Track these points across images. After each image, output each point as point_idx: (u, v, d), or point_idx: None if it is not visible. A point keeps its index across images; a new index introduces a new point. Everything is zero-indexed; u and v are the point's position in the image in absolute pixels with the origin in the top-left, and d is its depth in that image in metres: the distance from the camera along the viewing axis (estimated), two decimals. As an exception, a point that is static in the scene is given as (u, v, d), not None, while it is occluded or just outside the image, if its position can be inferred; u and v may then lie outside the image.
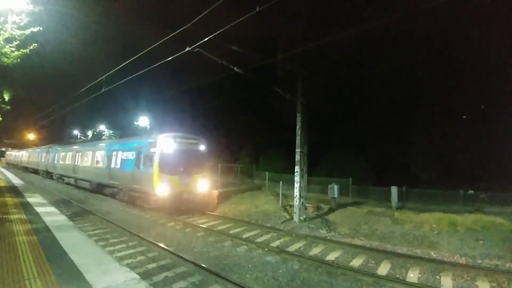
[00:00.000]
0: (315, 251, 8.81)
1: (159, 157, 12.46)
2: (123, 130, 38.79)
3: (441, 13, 20.83)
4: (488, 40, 21.90)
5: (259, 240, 9.71)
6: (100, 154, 18.07)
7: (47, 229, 7.52)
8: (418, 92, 25.16)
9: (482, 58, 22.28)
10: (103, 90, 15.45)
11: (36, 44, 9.27)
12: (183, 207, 13.10)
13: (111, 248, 8.30)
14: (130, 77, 13.31)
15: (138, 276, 4.65)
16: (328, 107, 24.57)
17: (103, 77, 14.78)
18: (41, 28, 8.70)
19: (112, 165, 16.02)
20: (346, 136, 25.21)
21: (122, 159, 15.22)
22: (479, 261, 8.20)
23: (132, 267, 6.65)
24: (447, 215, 10.50)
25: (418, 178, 19.16)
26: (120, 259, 7.06)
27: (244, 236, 10.05)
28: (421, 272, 7.30)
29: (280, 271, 7.16)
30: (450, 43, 24.16)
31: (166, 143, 12.88)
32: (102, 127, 43.57)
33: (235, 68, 11.31)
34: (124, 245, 8.75)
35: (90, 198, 18.04)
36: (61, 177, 25.44)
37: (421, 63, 25.12)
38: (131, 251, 8.25)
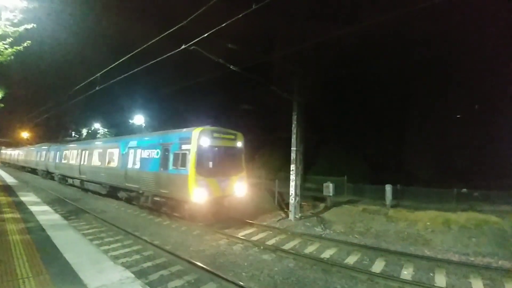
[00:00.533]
0: (311, 249, 8.86)
1: (196, 156, 10.32)
2: (118, 129, 38.59)
3: (437, 12, 20.94)
4: (484, 40, 22.10)
5: (255, 238, 9.74)
6: (113, 153, 15.84)
7: (41, 228, 7.48)
8: (414, 91, 25.39)
9: (477, 58, 22.50)
10: (97, 88, 15.34)
11: (30, 42, 9.16)
12: (223, 216, 11.24)
13: (106, 247, 8.26)
14: (124, 75, 13.19)
15: (133, 275, 4.64)
16: (325, 106, 24.67)
17: (98, 75, 14.67)
18: (35, 25, 8.60)
19: (129, 165, 13.75)
20: (342, 135, 25.36)
21: (142, 158, 12.91)
22: (472, 259, 8.33)
23: (128, 266, 6.65)
24: (441, 213, 10.63)
25: (414, 177, 19.34)
26: (115, 258, 7.03)
27: (240, 234, 10.07)
28: (415, 269, 7.38)
29: (276, 269, 7.19)
30: (447, 42, 24.35)
31: (203, 139, 10.67)
32: (97, 125, 43.30)
33: (231, 66, 11.29)
34: (119, 244, 8.72)
35: (85, 197, 17.96)
36: (63, 178, 23.42)
37: (417, 62, 25.28)
38: (127, 250, 8.22)
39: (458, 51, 23.36)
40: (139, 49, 10.83)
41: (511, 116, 21.04)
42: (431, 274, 7.12)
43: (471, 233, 10.02)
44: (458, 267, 7.46)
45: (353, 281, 6.61)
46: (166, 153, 11.48)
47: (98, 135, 39.78)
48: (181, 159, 10.72)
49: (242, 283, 6.04)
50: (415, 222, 10.47)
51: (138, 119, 33.12)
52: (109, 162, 16.04)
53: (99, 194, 17.17)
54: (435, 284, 6.53)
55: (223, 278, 6.31)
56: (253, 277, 6.67)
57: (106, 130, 41.50)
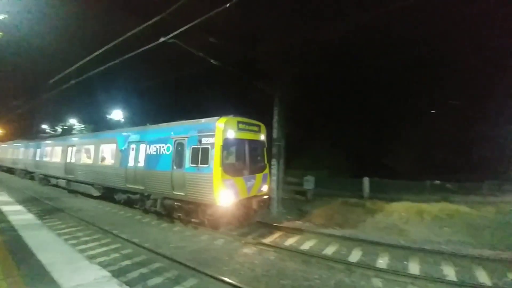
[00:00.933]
0: (291, 241, 9.02)
1: (221, 151, 8.93)
2: (96, 124, 37.36)
3: (414, 11, 21.52)
4: (461, 39, 23.00)
5: (235, 232, 9.78)
6: (108, 149, 13.91)
7: (13, 229, 7.17)
8: (393, 88, 26.11)
9: (456, 57, 23.42)
10: (73, 82, 14.73)
11: (2, 33, 8.66)
12: (250, 220, 10.20)
13: (83, 247, 8.04)
14: (100, 68, 12.68)
15: (109, 274, 4.56)
16: (307, 101, 24.92)
17: (73, 67, 14.03)
18: (6, 16, 8.13)
19: (131, 164, 12.03)
20: (325, 130, 25.77)
21: (148, 155, 11.21)
22: (444, 247, 8.74)
23: (105, 265, 6.51)
24: (415, 204, 11.11)
25: (392, 170, 20.03)
26: (92, 258, 6.88)
27: (221, 229, 10.03)
28: (390, 258, 7.69)
29: (257, 262, 7.28)
30: (426, 40, 25.12)
31: (229, 131, 9.23)
32: (72, 121, 41.69)
33: (212, 61, 11.16)
34: (96, 243, 8.51)
35: (62, 196, 17.30)
36: (45, 178, 20.84)
37: (398, 59, 25.99)
38: (104, 248, 8.04)
39: (437, 50, 24.25)
40: (116, 41, 10.45)
41: (484, 113, 22.24)
42: (405, 262, 7.43)
43: (444, 222, 10.56)
44: (431, 255, 7.82)
45: (332, 271, 6.80)
46: (180, 149, 9.97)
47: (73, 131, 38.32)
48: (201, 155, 9.22)
49: (222, 277, 6.09)
50: (391, 213, 10.89)
51: (117, 114, 32.19)
52: (103, 160, 14.31)
53: (91, 196, 15.31)
54: (408, 272, 6.83)
55: (204, 273, 6.33)
56: (234, 271, 6.72)
57: (82, 126, 40.05)
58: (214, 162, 8.84)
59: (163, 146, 10.65)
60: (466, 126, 22.31)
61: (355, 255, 7.85)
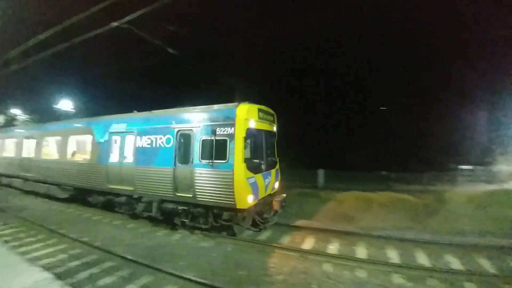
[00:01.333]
0: (248, 232, 9.20)
1: (243, 143, 7.74)
2: (42, 115, 34.16)
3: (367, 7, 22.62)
4: (417, 35, 24.74)
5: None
6: (80, 141, 11.97)
7: None
8: (353, 86, 27.43)
9: (410, 53, 25.18)
10: (12, 67, 13.24)
11: None
12: (269, 222, 9.11)
13: (26, 249, 7.45)
14: (45, 53, 11.48)
15: (51, 276, 4.33)
16: (270, 95, 25.21)
17: (15, 51, 12.55)
18: None
19: (114, 159, 10.16)
20: (285, 124, 26.33)
21: (140, 149, 9.43)
22: (389, 232, 9.50)
23: (50, 267, 6.13)
24: (364, 194, 12.00)
25: (344, 161, 21.25)
26: (35, 259, 6.43)
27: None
28: (340, 244, 8.22)
29: (214, 254, 7.35)
30: (382, 34, 26.63)
31: (250, 120, 8.00)
32: (15, 111, 37.64)
33: (170, 50, 10.79)
34: (41, 244, 7.93)
35: (5, 194, 15.68)
36: None
37: (355, 52, 27.26)
38: (50, 250, 7.53)
39: (392, 45, 25.83)
40: (62, 25, 9.56)
41: (429, 112, 24.53)
42: (354, 247, 8.03)
43: (389, 209, 11.54)
44: (377, 240, 8.50)
45: (286, 259, 7.12)
46: (186, 141, 8.56)
47: (16, 122, 34.70)
48: (216, 149, 7.85)
49: (177, 273, 6.06)
50: (342, 202, 11.63)
51: (66, 104, 29.76)
52: (73, 155, 12.39)
53: (57, 198, 13.05)
54: (356, 256, 7.40)
55: (158, 270, 6.25)
56: (190, 265, 6.71)
57: (27, 116, 36.39)
58: (235, 157, 7.58)
59: (160, 138, 9.03)
60: (413, 122, 24.37)
61: (308, 243, 8.28)
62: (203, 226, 8.52)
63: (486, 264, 6.96)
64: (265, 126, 8.90)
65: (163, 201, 8.98)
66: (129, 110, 10.86)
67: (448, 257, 7.38)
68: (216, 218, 8.23)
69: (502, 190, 13.88)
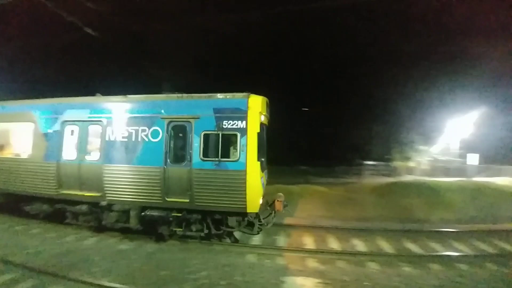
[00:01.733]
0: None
1: (257, 139, 6.92)
2: None
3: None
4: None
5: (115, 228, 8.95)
6: (14, 131, 9.40)
7: None
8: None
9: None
10: None
11: None
12: (265, 225, 8.02)
13: None
14: None
15: None
16: (200, 84, 24.65)
17: None
18: None
19: (70, 156, 8.14)
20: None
21: (111, 143, 7.72)
22: (306, 221, 10.50)
23: None
24: (285, 186, 12.94)
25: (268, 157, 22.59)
26: None
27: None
28: (264, 235, 8.64)
29: (134, 257, 6.90)
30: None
31: (261, 113, 7.23)
32: None
33: (86, 29, 9.59)
34: None
35: None
36: None
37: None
38: None
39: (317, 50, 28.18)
40: None
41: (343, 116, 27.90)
42: (275, 237, 8.66)
43: (306, 200, 12.72)
44: (294, 229, 9.39)
45: (211, 253, 7.23)
46: (182, 135, 7.38)
47: None
48: (222, 145, 6.95)
49: (90, 279, 5.54)
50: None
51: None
52: (1, 149, 9.45)
53: None
54: (277, 245, 8.09)
55: (67, 279, 5.60)
56: (106, 270, 6.17)
57: None
58: (247, 155, 6.76)
59: (143, 130, 7.47)
60: (327, 123, 27.44)
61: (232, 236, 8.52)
62: (201, 235, 7.55)
63: (385, 246, 8.30)
64: (266, 121, 8.15)
65: (144, 208, 7.57)
66: (40, 95, 9.05)
67: (354, 240, 8.58)
68: (218, 224, 7.42)
69: (398, 182, 16.80)
